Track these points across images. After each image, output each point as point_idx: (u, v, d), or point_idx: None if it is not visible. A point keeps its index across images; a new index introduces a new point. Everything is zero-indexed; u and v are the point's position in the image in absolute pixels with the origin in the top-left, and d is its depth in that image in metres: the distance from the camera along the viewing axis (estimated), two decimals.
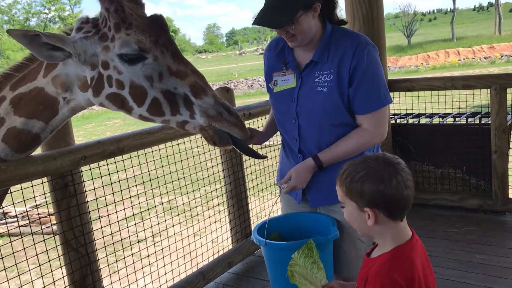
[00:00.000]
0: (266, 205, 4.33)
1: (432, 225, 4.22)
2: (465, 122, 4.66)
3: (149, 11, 1.80)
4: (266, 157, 2.06)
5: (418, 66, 33.97)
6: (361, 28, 4.19)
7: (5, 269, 2.46)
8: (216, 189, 3.96)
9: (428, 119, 4.92)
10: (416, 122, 4.86)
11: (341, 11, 2.37)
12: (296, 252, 1.87)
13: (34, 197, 2.59)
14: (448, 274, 3.34)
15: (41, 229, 2.86)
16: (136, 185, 3.21)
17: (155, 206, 3.67)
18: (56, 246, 2.65)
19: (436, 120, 4.90)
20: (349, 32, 2.23)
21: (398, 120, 4.90)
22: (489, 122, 4.26)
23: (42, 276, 2.58)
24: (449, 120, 4.86)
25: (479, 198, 4.39)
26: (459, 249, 3.73)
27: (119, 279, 2.93)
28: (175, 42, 1.78)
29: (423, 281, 1.52)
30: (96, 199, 2.79)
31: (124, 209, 3.04)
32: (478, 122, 4.60)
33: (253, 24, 2.10)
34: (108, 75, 1.75)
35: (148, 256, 3.26)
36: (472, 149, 4.42)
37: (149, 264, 3.28)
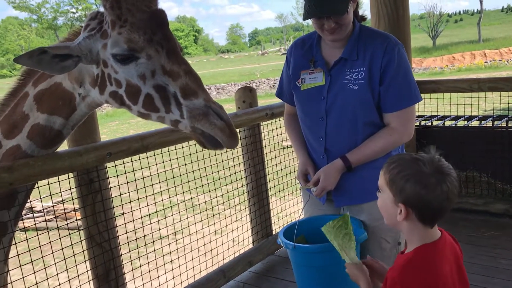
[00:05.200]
0: (287, 205, 4.32)
1: (455, 229, 4.13)
2: (491, 125, 4.58)
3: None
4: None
5: (443, 68, 33.44)
6: (386, 28, 4.14)
7: (31, 262, 2.53)
8: (237, 188, 3.97)
9: (453, 122, 4.84)
10: (441, 125, 4.79)
11: (365, 12, 2.37)
12: (331, 221, 1.86)
13: (61, 192, 2.64)
14: (472, 279, 3.23)
15: (67, 224, 2.92)
16: (159, 183, 3.24)
17: (177, 204, 3.70)
18: (81, 241, 2.70)
19: (461, 123, 4.81)
20: (377, 31, 2.27)
21: (423, 122, 4.83)
22: None
23: (67, 269, 2.63)
24: (475, 123, 4.77)
25: (504, 203, 4.30)
26: (484, 254, 3.65)
27: (141, 275, 2.97)
28: (173, 38, 1.72)
29: (450, 285, 1.50)
30: (120, 195, 2.84)
31: (148, 205, 3.08)
32: (505, 125, 4.51)
33: (306, 18, 2.06)
34: (108, 73, 1.74)
35: (170, 253, 3.30)
36: (498, 152, 4.33)
37: (171, 261, 3.31)
